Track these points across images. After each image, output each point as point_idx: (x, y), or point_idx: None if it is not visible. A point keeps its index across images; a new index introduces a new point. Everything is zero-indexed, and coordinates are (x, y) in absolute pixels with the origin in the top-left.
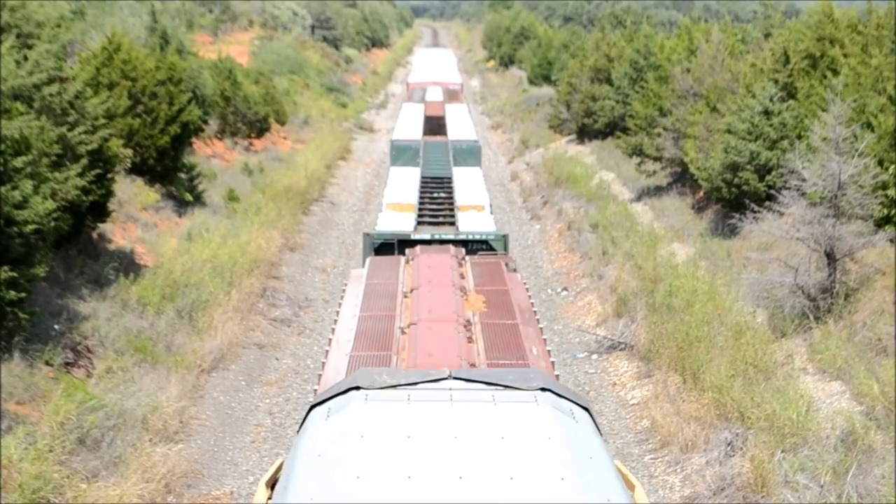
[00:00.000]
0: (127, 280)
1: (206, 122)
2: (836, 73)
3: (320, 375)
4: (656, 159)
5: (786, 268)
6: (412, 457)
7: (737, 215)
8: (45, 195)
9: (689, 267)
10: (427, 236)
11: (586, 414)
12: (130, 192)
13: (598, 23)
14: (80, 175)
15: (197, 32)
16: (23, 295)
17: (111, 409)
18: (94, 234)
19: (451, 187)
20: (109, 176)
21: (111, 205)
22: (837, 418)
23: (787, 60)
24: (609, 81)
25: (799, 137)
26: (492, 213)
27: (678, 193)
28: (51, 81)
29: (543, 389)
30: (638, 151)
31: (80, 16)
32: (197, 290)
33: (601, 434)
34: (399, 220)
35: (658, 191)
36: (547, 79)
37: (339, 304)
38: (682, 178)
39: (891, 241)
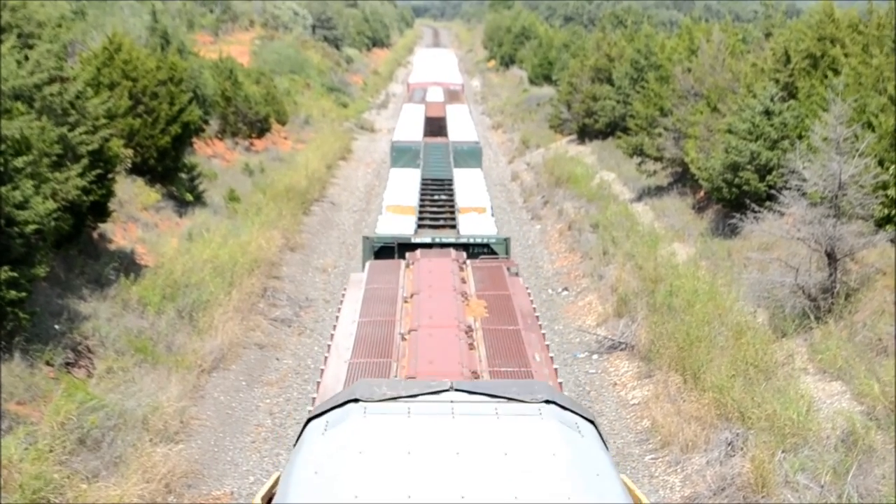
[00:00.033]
0: (127, 280)
1: (206, 122)
2: (836, 72)
3: (319, 383)
4: (657, 159)
5: (786, 268)
6: (412, 474)
7: (737, 215)
8: (46, 195)
9: (690, 267)
10: (428, 240)
11: (592, 427)
12: (131, 192)
13: (599, 23)
14: (81, 175)
15: (198, 32)
16: (23, 295)
17: (111, 409)
18: (95, 234)
19: (451, 189)
20: (110, 176)
21: (112, 205)
22: (838, 418)
23: (788, 60)
24: (610, 81)
25: (800, 137)
26: (493, 215)
27: (679, 193)
28: (51, 81)
29: (548, 402)
30: (639, 151)
31: (81, 16)
32: (197, 290)
33: (608, 448)
34: (399, 222)
35: (659, 191)
36: (547, 79)
37: (339, 309)
38: (683, 178)
39: (891, 241)
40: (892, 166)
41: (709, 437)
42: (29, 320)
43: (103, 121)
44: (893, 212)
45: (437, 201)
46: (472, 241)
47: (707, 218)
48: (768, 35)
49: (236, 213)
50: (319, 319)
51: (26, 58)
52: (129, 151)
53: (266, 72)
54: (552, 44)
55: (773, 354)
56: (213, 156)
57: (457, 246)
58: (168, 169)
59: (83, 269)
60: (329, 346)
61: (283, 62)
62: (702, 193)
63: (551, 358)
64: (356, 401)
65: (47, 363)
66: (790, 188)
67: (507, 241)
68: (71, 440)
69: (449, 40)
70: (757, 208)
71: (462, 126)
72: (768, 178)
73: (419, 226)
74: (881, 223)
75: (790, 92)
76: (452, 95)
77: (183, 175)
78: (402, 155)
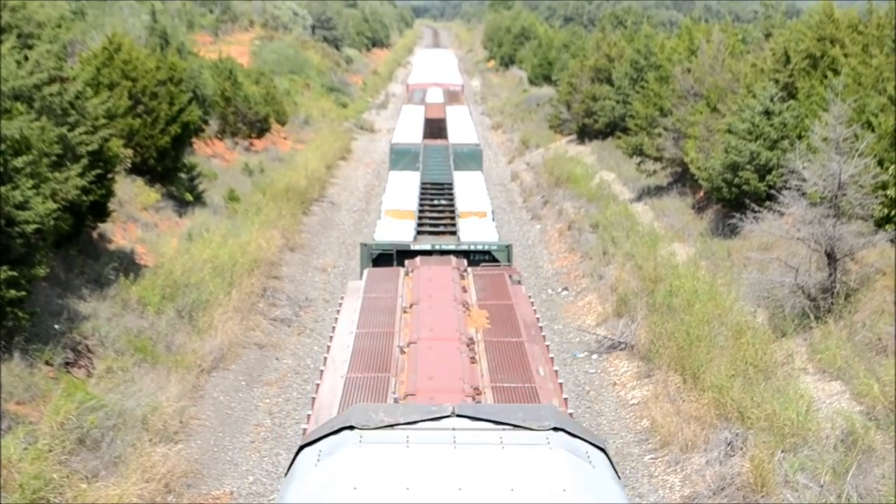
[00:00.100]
0: (127, 280)
1: (206, 122)
2: (836, 73)
3: (314, 399)
4: (657, 159)
5: (786, 268)
6: None
7: (737, 215)
8: (46, 195)
9: (690, 267)
10: (427, 247)
11: (603, 456)
12: (131, 192)
13: (599, 23)
14: (81, 175)
15: (197, 32)
16: (23, 295)
17: (111, 408)
18: (95, 234)
19: (451, 194)
20: (110, 176)
21: (111, 205)
22: (837, 418)
23: (788, 60)
24: (609, 81)
25: (799, 137)
26: (493, 219)
27: (678, 193)
28: (51, 81)
29: (556, 429)
30: (638, 151)
31: (81, 16)
32: (197, 290)
33: (619, 478)
34: (398, 227)
35: (658, 191)
36: (547, 79)
37: (335, 319)
38: (683, 178)
39: (891, 241)
40: (892, 166)
41: (708, 436)
42: (29, 320)
43: (103, 121)
44: (893, 212)
45: (436, 206)
46: (472, 248)
47: (707, 218)
48: (768, 35)
49: (236, 213)
50: (319, 319)
51: (26, 58)
52: (129, 151)
53: (266, 72)
54: (552, 44)
55: (773, 354)
56: (212, 156)
57: (457, 253)
58: (168, 169)
59: (83, 269)
60: (325, 358)
61: (283, 62)
62: (701, 193)
63: (556, 371)
64: (351, 428)
65: (47, 363)
66: (790, 188)
67: (508, 247)
68: (70, 440)
69: (449, 40)
70: (757, 208)
71: (462, 128)
72: (768, 178)
73: (418, 232)
74: (881, 223)
75: (790, 92)
76: (452, 96)
77: (183, 175)
78: (401, 157)
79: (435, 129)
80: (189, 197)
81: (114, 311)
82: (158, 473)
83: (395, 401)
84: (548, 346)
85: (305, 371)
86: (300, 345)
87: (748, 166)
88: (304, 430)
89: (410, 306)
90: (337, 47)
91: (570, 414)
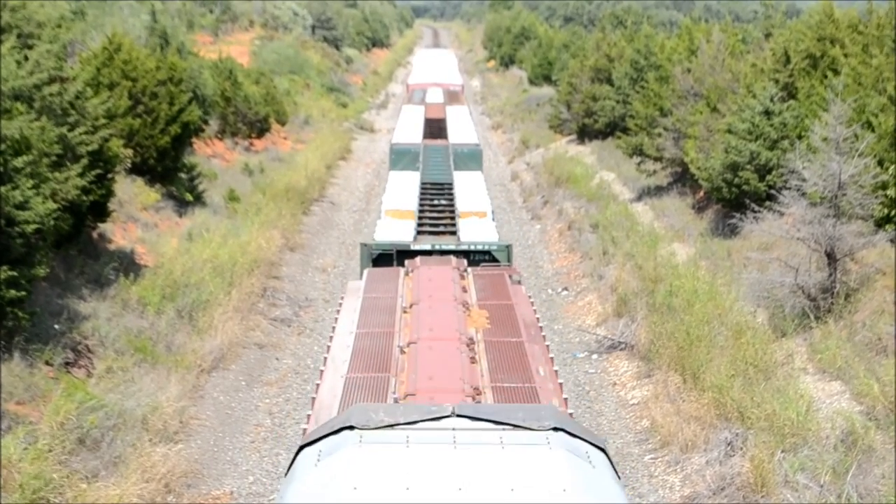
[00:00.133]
0: (127, 280)
1: (206, 122)
2: (836, 73)
3: (314, 399)
4: (657, 159)
5: (786, 268)
6: None
7: (737, 215)
8: (46, 195)
9: (690, 267)
10: (427, 247)
11: (603, 456)
12: (131, 192)
13: (599, 23)
14: (81, 175)
15: (197, 32)
16: (23, 294)
17: (111, 408)
18: (95, 234)
19: (451, 194)
20: (110, 176)
21: (111, 205)
22: (837, 418)
23: (788, 60)
24: (609, 81)
25: (799, 137)
26: (493, 219)
27: (678, 193)
28: (51, 81)
29: (556, 429)
30: (638, 151)
31: (81, 16)
32: (197, 290)
33: (620, 478)
34: (398, 227)
35: (658, 191)
36: (547, 79)
37: (336, 319)
38: (683, 178)
39: (891, 241)
40: (892, 166)
41: (708, 436)
42: (29, 320)
43: (103, 121)
44: (893, 212)
45: (436, 206)
46: (472, 248)
47: (707, 218)
48: (768, 35)
49: (236, 212)
50: (319, 319)
51: (26, 58)
52: (129, 151)
53: (266, 72)
54: (552, 44)
55: (773, 354)
56: (212, 156)
57: (457, 253)
58: (168, 169)
59: (83, 269)
60: (325, 358)
61: (283, 62)
62: (701, 193)
63: (556, 371)
64: (351, 428)
65: (47, 363)
66: (790, 188)
67: (508, 247)
68: (70, 440)
69: (449, 40)
70: (757, 208)
71: (462, 128)
72: (768, 177)
73: (418, 232)
74: (881, 223)
75: (790, 92)
76: (452, 96)
77: (183, 175)
78: (401, 157)
79: (435, 129)
80: (189, 197)
81: (114, 311)
82: (158, 473)
83: (395, 401)
84: (548, 346)
85: (305, 371)
86: (300, 345)
87: (748, 166)
88: (304, 429)
89: (410, 306)
90: (337, 47)
91: (570, 414)
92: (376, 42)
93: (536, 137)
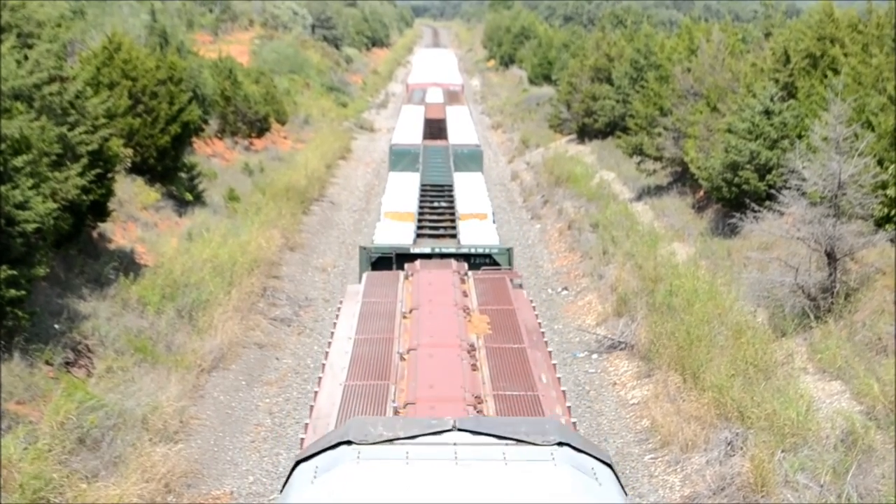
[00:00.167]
0: (127, 280)
1: (206, 121)
2: (836, 72)
3: (312, 407)
4: (656, 159)
5: (786, 267)
6: None
7: (737, 215)
8: (46, 195)
9: (690, 266)
10: (427, 250)
11: (609, 472)
12: (131, 191)
13: (599, 22)
14: (81, 175)
15: (197, 32)
16: (23, 294)
17: (111, 408)
18: (95, 234)
19: (451, 196)
20: (110, 175)
21: (111, 204)
22: (837, 418)
23: (788, 60)
24: (609, 81)
25: (799, 137)
26: (494, 221)
27: (678, 193)
28: (51, 81)
29: (561, 444)
30: (638, 151)
31: (81, 15)
32: (197, 289)
33: (626, 495)
34: (398, 230)
35: (658, 190)
36: (547, 78)
37: (334, 324)
38: (683, 177)
39: (891, 240)
40: (892, 166)
41: (708, 436)
42: (28, 320)
43: (103, 120)
44: (893, 211)
45: (436, 208)
46: (473, 251)
47: (707, 217)
48: (768, 35)
49: (236, 212)
50: (319, 319)
51: (26, 57)
52: (129, 151)
53: (265, 71)
54: (552, 43)
55: (773, 354)
56: (212, 155)
57: (457, 256)
58: (168, 168)
59: (83, 268)
60: (323, 364)
61: (283, 62)
62: (701, 193)
63: (559, 379)
64: (349, 443)
65: (47, 363)
66: (790, 188)
67: (509, 251)
68: (70, 440)
69: (448, 40)
70: (757, 208)
71: (462, 128)
72: (768, 177)
73: (418, 235)
74: (881, 223)
75: (790, 91)
76: (452, 96)
77: (182, 174)
78: (400, 158)
79: (435, 129)
80: (189, 196)
81: (114, 310)
82: (158, 473)
83: (395, 410)
84: (550, 352)
85: (305, 371)
86: (300, 344)
87: (748, 166)
88: (302, 439)
89: (410, 311)
90: (337, 47)
91: (574, 423)
92: (376, 41)
93: (536, 137)
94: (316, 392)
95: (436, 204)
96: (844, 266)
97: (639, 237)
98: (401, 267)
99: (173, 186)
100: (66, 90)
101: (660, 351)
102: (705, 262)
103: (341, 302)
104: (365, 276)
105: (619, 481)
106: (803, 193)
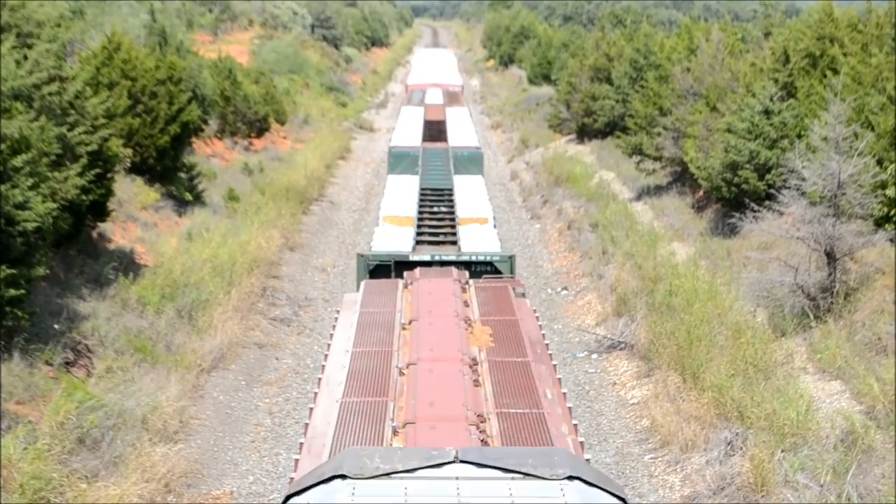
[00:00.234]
0: (127, 280)
1: (205, 121)
2: (835, 72)
3: (307, 425)
4: (656, 159)
5: (786, 267)
6: None
7: (737, 214)
8: (45, 195)
9: (689, 266)
10: (427, 257)
11: None
12: (130, 191)
13: (598, 22)
14: (80, 175)
15: (197, 32)
16: (22, 294)
17: (111, 408)
18: (94, 234)
19: (451, 201)
20: (109, 175)
21: (111, 204)
22: (837, 418)
23: (787, 60)
24: (609, 81)
25: (799, 137)
26: (495, 226)
27: (678, 193)
28: (50, 81)
29: (571, 478)
30: (638, 151)
31: (80, 15)
32: (197, 289)
33: None
34: (397, 235)
35: (658, 190)
36: (547, 78)
37: (331, 336)
38: (682, 177)
39: (890, 240)
40: (891, 165)
41: (708, 436)
42: (28, 320)
43: (102, 120)
44: (892, 211)
45: (436, 213)
46: (474, 258)
47: (706, 217)
48: (767, 34)
49: (235, 212)
50: (319, 319)
51: (25, 57)
52: (129, 151)
53: (265, 71)
54: (551, 43)
55: (773, 354)
56: (212, 155)
57: (458, 264)
58: (167, 168)
59: (82, 268)
60: (320, 379)
61: (282, 62)
62: (701, 193)
63: (564, 394)
64: (343, 477)
65: (47, 363)
66: (789, 187)
67: (511, 258)
68: (70, 440)
69: (448, 40)
70: (756, 207)
71: (462, 130)
72: (767, 177)
73: (417, 241)
74: (880, 222)
75: (789, 91)
76: (452, 97)
77: (182, 174)
78: (399, 161)
79: (434, 131)
80: (188, 196)
81: (113, 310)
82: (158, 473)
83: (394, 430)
84: (555, 365)
85: (305, 371)
86: (300, 344)
87: (748, 165)
88: (297, 460)
89: (410, 322)
90: (336, 46)
91: (582, 443)
92: (375, 41)
93: (536, 137)
94: (311, 408)
95: (435, 208)
96: (844, 266)
97: (638, 237)
98: (400, 275)
99: (173, 186)
100: (65, 90)
101: (659, 351)
102: (705, 261)
103: (338, 312)
104: (363, 284)
105: None
106: (803, 193)
